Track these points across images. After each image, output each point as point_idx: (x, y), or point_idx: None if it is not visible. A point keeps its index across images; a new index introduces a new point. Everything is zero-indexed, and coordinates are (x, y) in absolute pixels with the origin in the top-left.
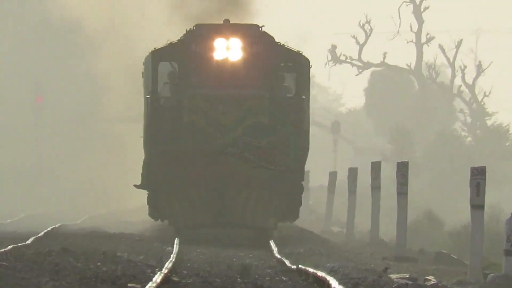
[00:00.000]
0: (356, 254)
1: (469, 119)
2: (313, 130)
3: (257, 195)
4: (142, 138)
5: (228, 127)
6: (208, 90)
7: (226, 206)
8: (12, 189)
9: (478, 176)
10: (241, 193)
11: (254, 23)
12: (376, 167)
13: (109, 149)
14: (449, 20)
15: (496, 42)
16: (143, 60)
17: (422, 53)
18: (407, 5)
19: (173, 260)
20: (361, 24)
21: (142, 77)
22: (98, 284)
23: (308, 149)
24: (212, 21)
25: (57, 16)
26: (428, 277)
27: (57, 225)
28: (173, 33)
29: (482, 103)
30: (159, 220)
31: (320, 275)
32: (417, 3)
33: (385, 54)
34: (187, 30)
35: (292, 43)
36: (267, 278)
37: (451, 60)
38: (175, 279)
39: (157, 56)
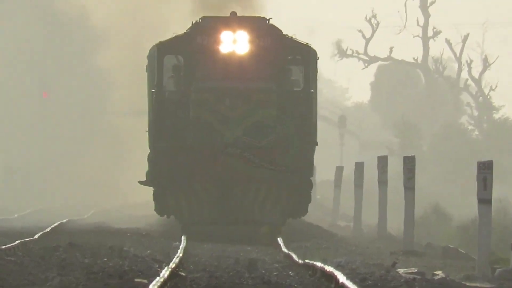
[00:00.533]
0: (363, 249)
1: (475, 113)
2: (319, 124)
3: (266, 191)
4: (147, 133)
5: (235, 121)
6: (215, 83)
7: (234, 202)
8: (19, 184)
9: (485, 170)
10: (249, 189)
11: (262, 15)
12: (382, 162)
13: (115, 143)
14: (456, 14)
15: (502, 36)
16: (147, 54)
17: (429, 48)
18: (413, 0)
19: (180, 255)
20: (368, 19)
21: (146, 71)
22: (105, 279)
23: (316, 143)
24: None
25: (63, 11)
26: (436, 272)
27: (64, 220)
28: (179, 26)
29: (488, 97)
30: (166, 216)
31: (328, 270)
32: None
33: (391, 48)
34: (193, 22)
35: (298, 37)
36: (274, 273)
37: (458, 54)
38: (182, 274)
39: (162, 49)
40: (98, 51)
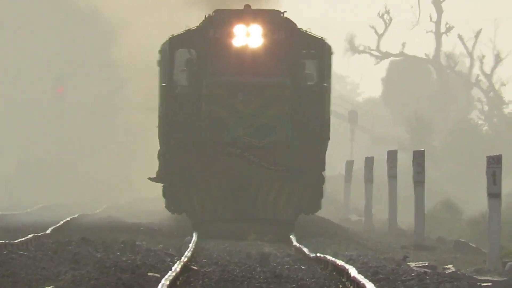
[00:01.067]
0: (375, 243)
1: (486, 108)
2: (330, 119)
3: (279, 188)
4: (157, 128)
5: (249, 116)
6: (228, 77)
7: (247, 199)
8: (33, 180)
9: (494, 164)
10: (262, 186)
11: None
12: (392, 156)
13: (128, 139)
14: (468, 10)
15: None
16: (159, 48)
17: (441, 43)
18: None
19: (192, 249)
20: (381, 14)
21: (158, 65)
22: (118, 273)
23: (328, 138)
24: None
25: (76, 7)
26: (447, 266)
27: (76, 215)
28: (192, 20)
29: (499, 92)
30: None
31: (339, 263)
32: None
33: (404, 44)
34: (206, 16)
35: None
36: (286, 267)
37: (470, 49)
38: (195, 267)
39: (175, 43)
40: (112, 47)
